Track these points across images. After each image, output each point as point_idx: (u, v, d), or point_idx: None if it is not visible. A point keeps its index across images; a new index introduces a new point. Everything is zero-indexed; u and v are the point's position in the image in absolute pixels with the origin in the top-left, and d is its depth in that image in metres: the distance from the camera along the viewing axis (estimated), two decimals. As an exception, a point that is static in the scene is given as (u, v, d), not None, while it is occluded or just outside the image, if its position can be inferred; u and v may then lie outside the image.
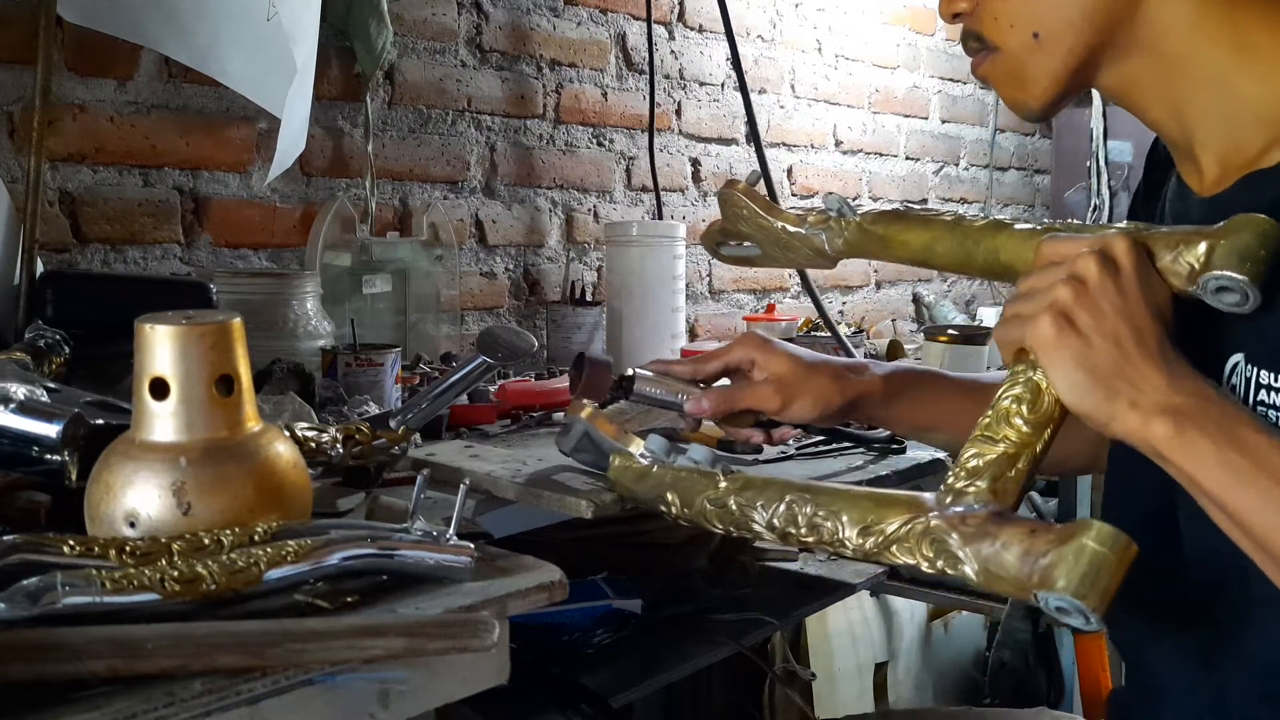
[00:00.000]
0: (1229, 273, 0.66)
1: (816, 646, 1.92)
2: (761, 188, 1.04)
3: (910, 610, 2.15)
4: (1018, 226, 0.82)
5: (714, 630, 1.28)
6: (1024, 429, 0.69)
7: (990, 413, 0.71)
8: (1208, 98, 0.76)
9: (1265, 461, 0.63)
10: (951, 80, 2.90)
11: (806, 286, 1.68)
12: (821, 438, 1.23)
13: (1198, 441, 0.64)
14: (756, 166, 2.17)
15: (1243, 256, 0.66)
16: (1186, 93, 0.77)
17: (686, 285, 1.85)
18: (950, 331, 1.81)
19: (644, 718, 1.74)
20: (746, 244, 1.04)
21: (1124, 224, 0.75)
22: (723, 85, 2.23)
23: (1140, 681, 0.89)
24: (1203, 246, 0.68)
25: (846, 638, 1.99)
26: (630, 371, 1.04)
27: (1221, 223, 0.68)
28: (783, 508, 0.75)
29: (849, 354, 1.66)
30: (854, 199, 2.61)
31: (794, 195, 2.43)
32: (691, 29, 2.15)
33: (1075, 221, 0.80)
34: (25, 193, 1.21)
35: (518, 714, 1.06)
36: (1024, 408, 0.69)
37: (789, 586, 1.48)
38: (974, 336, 1.79)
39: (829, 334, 1.89)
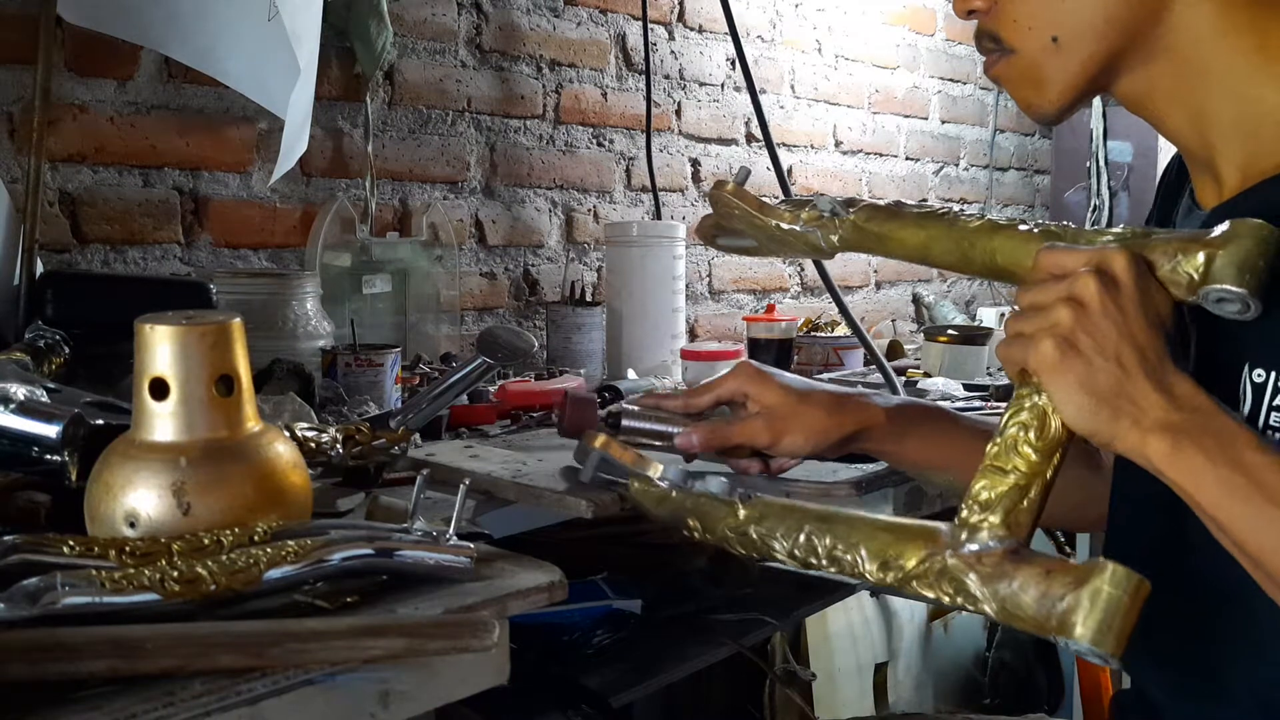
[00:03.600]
0: (1228, 286, 0.65)
1: (816, 647, 1.92)
2: (751, 186, 1.02)
3: (910, 610, 2.15)
4: (1015, 229, 0.80)
5: (714, 630, 1.28)
6: (1033, 457, 0.69)
7: (998, 441, 0.70)
8: (1229, 106, 0.75)
9: (1261, 479, 0.62)
10: (951, 80, 2.90)
11: (828, 285, 1.67)
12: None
13: (1194, 458, 0.64)
14: (758, 166, 2.17)
15: (1241, 267, 0.65)
16: (1208, 100, 0.76)
17: (686, 285, 1.85)
18: (950, 332, 1.81)
19: (644, 718, 1.74)
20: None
21: (1120, 229, 0.74)
22: (722, 85, 2.23)
23: (1141, 694, 0.89)
24: (1201, 256, 0.67)
25: (846, 638, 1.99)
26: (618, 407, 1.03)
27: (1219, 229, 0.67)
28: (802, 539, 0.75)
29: (871, 353, 1.64)
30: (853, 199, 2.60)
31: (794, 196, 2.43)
32: (691, 29, 2.15)
33: (1071, 226, 0.79)
34: (25, 193, 1.21)
35: (518, 714, 1.06)
36: (1031, 434, 0.69)
37: (789, 587, 1.48)
38: (974, 336, 1.79)
39: (830, 333, 1.89)
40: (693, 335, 2.17)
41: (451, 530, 0.73)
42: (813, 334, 1.90)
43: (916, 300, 2.78)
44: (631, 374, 1.68)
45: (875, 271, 2.68)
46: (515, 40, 1.83)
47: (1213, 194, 0.79)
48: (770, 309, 2.10)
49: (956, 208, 0.85)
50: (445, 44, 1.73)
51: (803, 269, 2.43)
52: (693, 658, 1.23)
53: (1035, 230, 0.78)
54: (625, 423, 1.01)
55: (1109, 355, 0.66)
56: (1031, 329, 0.68)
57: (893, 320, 2.67)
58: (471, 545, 0.73)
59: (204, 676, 0.58)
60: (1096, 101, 3.00)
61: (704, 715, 1.82)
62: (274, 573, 0.65)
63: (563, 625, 1.22)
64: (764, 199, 0.97)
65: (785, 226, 0.94)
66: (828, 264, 1.60)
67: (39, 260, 1.21)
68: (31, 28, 1.22)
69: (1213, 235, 0.67)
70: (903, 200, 0.89)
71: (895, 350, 2.00)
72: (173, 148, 1.43)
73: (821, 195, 0.93)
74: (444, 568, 0.71)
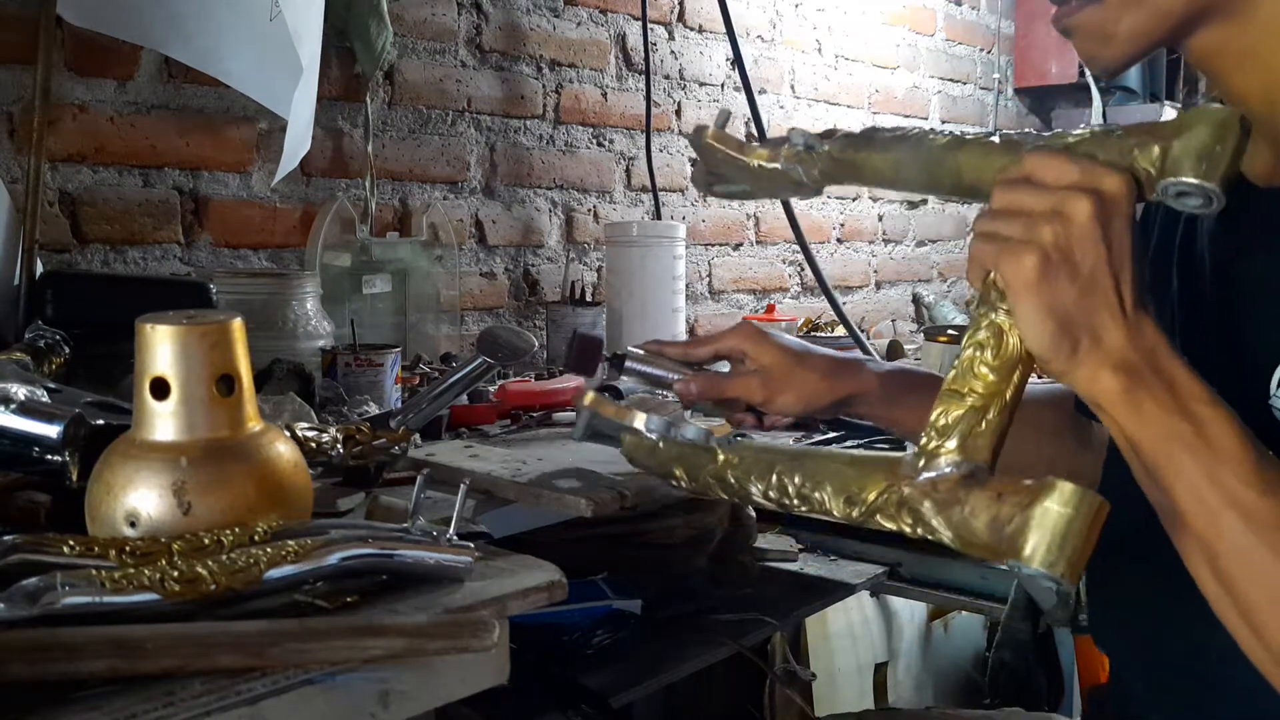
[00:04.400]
0: (1185, 178, 0.62)
1: (816, 646, 1.92)
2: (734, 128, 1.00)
3: (910, 610, 2.15)
4: (978, 142, 0.76)
5: (714, 630, 1.28)
6: (990, 377, 0.65)
7: (955, 366, 0.67)
8: None
9: (1209, 433, 0.61)
10: (951, 80, 2.90)
11: (821, 284, 1.68)
12: (819, 430, 1.23)
13: (1144, 401, 0.62)
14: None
15: (1199, 156, 0.61)
16: None
17: (686, 285, 1.86)
18: (950, 331, 1.81)
19: (644, 718, 1.74)
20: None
21: (1083, 128, 0.69)
22: (722, 85, 2.23)
23: (1121, 688, 0.88)
24: (1156, 149, 0.63)
25: (846, 638, 1.99)
26: (623, 349, 1.04)
27: (1177, 118, 0.64)
28: (774, 479, 0.74)
29: (863, 349, 1.65)
30: (854, 198, 2.61)
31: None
32: (691, 29, 2.15)
33: (1032, 132, 0.75)
34: (25, 193, 1.21)
35: (518, 714, 1.06)
36: (987, 353, 0.66)
37: (789, 587, 1.48)
38: (974, 337, 1.78)
39: (830, 333, 1.89)
40: (693, 335, 2.17)
41: (451, 530, 0.73)
42: (813, 334, 1.90)
43: (916, 300, 2.78)
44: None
45: (875, 272, 2.67)
46: (515, 40, 1.83)
47: (1265, 163, 0.75)
48: (770, 309, 2.10)
49: (928, 125, 0.83)
50: (445, 44, 1.73)
51: (802, 269, 2.43)
52: (693, 658, 1.23)
53: (998, 141, 0.75)
54: (628, 364, 1.02)
55: (1085, 284, 0.63)
56: (1010, 232, 0.65)
57: (893, 320, 2.67)
58: (471, 545, 0.73)
59: (204, 676, 0.58)
60: (1096, 102, 3.00)
61: (704, 715, 1.81)
62: (274, 573, 0.65)
63: (563, 625, 1.22)
64: (744, 141, 0.96)
65: (767, 166, 0.93)
66: (825, 264, 1.60)
67: (39, 260, 1.21)
68: (31, 28, 1.22)
69: (1170, 125, 0.64)
70: (878, 126, 0.87)
71: (895, 350, 2.00)
72: (173, 148, 1.43)
73: (795, 129, 0.91)
74: (444, 568, 0.71)
